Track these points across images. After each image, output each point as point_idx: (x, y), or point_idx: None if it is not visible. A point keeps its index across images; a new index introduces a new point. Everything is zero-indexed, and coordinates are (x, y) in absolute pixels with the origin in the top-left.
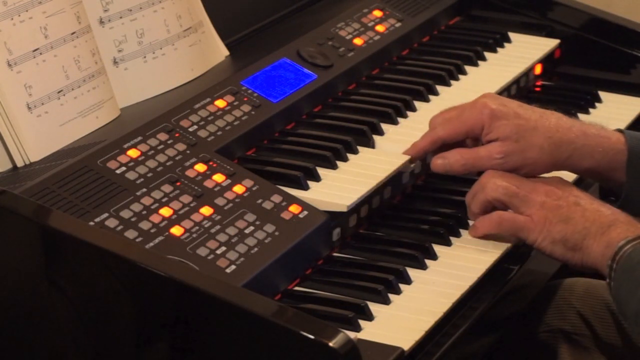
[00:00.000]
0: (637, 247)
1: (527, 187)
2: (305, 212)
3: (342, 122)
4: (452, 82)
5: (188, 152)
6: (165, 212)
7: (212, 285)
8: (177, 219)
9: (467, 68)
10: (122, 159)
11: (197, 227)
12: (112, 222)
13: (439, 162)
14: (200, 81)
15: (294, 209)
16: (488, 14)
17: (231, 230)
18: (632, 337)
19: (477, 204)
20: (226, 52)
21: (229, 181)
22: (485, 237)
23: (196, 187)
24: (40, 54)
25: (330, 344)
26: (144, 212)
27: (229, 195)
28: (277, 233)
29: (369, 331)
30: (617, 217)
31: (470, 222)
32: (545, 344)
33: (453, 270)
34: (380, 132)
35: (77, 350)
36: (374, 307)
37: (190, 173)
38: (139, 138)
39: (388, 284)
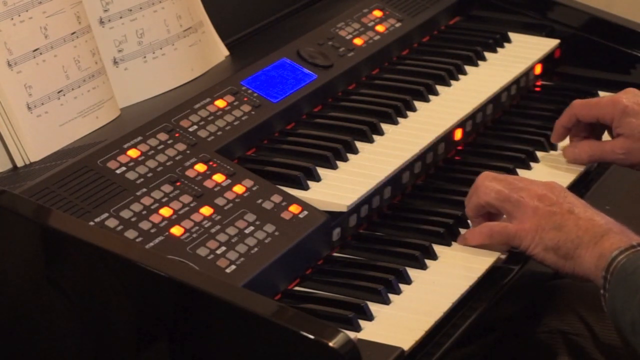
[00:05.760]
0: (630, 257)
1: (521, 191)
2: (305, 212)
3: (342, 122)
4: (452, 82)
5: (188, 152)
6: (165, 212)
7: (212, 285)
8: (177, 219)
9: (467, 68)
10: (122, 159)
11: (197, 227)
12: (112, 222)
13: (570, 150)
14: (200, 81)
15: (294, 209)
16: (488, 14)
17: (231, 230)
18: (632, 346)
19: (471, 207)
20: (226, 52)
21: (229, 181)
22: (478, 247)
23: (196, 187)
24: (40, 54)
25: (330, 344)
26: (144, 212)
27: (229, 195)
28: (277, 233)
29: (369, 331)
30: (610, 227)
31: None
32: (544, 345)
33: (453, 270)
34: (380, 132)
35: (77, 350)
36: (374, 307)
37: (190, 173)
38: (139, 138)
39: (388, 284)
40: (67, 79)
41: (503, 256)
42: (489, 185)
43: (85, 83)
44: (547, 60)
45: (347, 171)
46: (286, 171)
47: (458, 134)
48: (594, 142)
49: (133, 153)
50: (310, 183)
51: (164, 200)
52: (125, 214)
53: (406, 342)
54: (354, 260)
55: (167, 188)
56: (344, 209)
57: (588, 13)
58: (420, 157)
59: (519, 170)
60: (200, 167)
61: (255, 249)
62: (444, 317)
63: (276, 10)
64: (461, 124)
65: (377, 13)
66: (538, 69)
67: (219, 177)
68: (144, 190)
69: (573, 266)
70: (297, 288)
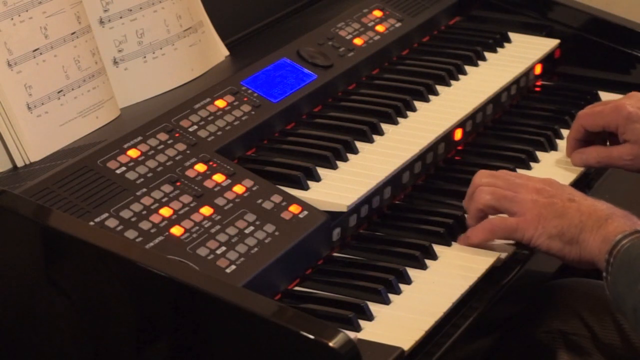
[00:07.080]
0: (634, 241)
1: (517, 187)
2: (305, 212)
3: (342, 122)
4: (452, 82)
5: (188, 152)
6: (165, 212)
7: (212, 285)
8: (177, 219)
9: (467, 68)
10: (122, 159)
11: (197, 227)
12: (112, 222)
13: (578, 157)
14: (200, 81)
15: (294, 209)
16: (488, 14)
17: (231, 230)
18: (630, 334)
19: (471, 215)
20: (226, 52)
21: (229, 181)
22: (482, 245)
23: (196, 187)
24: (40, 54)
25: (330, 344)
26: (144, 212)
27: (229, 195)
28: (277, 233)
29: (369, 331)
30: (613, 211)
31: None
32: (544, 345)
33: (453, 270)
34: (380, 132)
35: (77, 350)
36: (374, 307)
37: (190, 173)
38: (139, 138)
39: (388, 284)
40: (67, 79)
41: (503, 256)
42: (482, 188)
43: (85, 83)
44: (547, 60)
45: (347, 171)
46: (286, 171)
47: (458, 134)
48: (602, 148)
49: (133, 153)
50: (310, 183)
51: (164, 200)
52: (125, 214)
53: (406, 342)
54: (354, 260)
55: (167, 188)
56: (344, 209)
57: (588, 13)
58: (420, 157)
59: (519, 170)
60: (200, 167)
61: (255, 249)
62: (444, 317)
63: (276, 10)
64: (461, 124)
65: (377, 13)
66: (538, 69)
67: (219, 177)
68: (144, 190)
69: (579, 251)
70: (297, 288)
